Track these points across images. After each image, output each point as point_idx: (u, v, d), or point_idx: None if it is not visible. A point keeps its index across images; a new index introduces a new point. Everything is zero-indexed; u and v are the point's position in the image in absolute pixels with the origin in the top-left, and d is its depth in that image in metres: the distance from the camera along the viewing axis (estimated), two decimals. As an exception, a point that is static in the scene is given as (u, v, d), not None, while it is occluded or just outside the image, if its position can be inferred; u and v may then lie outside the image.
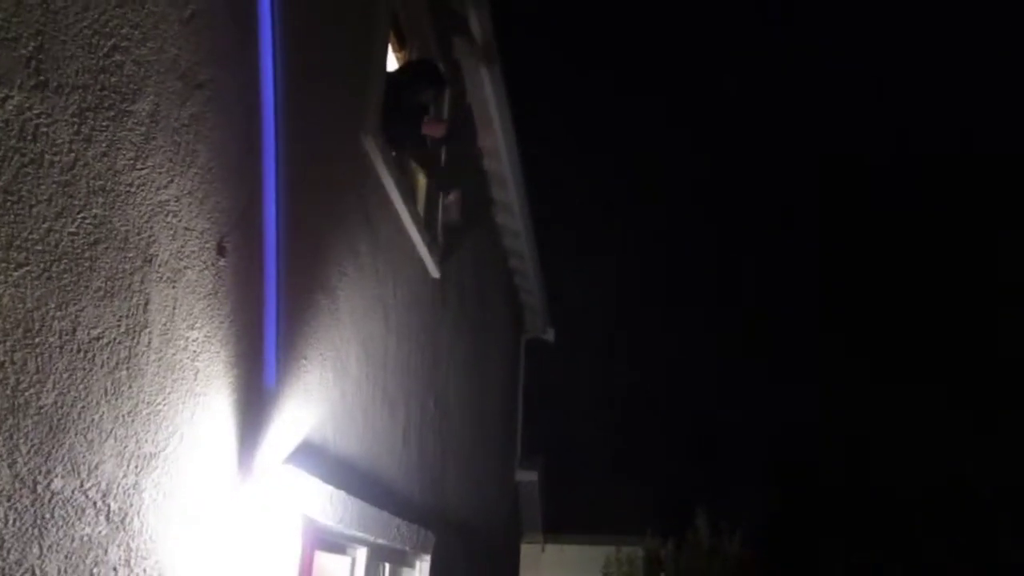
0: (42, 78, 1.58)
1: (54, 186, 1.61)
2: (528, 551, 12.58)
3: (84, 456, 1.69)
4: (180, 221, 2.08)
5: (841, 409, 21.33)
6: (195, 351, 2.14)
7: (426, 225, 4.91)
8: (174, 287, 2.05)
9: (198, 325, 2.16)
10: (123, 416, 1.83)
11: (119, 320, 1.82)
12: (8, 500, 1.48)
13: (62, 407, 1.63)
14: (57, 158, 1.62)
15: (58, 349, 1.62)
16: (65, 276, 1.64)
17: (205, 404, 2.19)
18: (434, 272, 5.10)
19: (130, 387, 1.86)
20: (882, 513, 17.40)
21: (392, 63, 4.75)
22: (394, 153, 4.21)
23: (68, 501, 1.64)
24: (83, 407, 1.69)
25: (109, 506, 1.77)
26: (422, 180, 5.37)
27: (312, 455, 2.98)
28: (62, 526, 1.62)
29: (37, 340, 1.56)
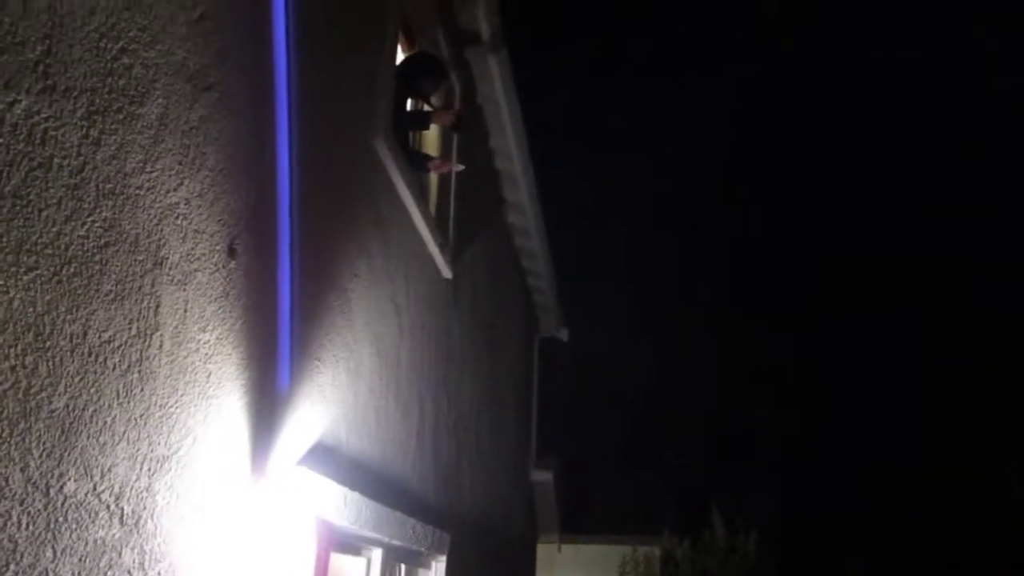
0: (50, 82, 1.58)
1: (63, 189, 1.61)
2: (544, 551, 12.57)
3: (96, 459, 1.69)
4: (190, 223, 2.08)
5: (861, 407, 21.21)
6: (207, 353, 2.14)
7: (438, 225, 4.90)
8: (185, 290, 2.05)
9: (210, 327, 2.16)
10: (135, 419, 1.83)
11: (130, 323, 1.82)
12: (21, 504, 1.48)
13: (74, 410, 1.63)
14: (66, 161, 1.62)
15: (69, 352, 1.62)
16: (75, 279, 1.64)
17: (218, 406, 2.19)
18: (446, 272, 5.09)
19: (142, 390, 1.85)
20: (903, 513, 17.27)
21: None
22: (404, 152, 4.21)
23: (81, 504, 1.64)
24: (95, 410, 1.69)
25: (122, 509, 1.77)
26: (434, 180, 5.37)
27: (326, 456, 2.98)
28: (75, 529, 1.62)
29: (48, 344, 1.56)
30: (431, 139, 5.48)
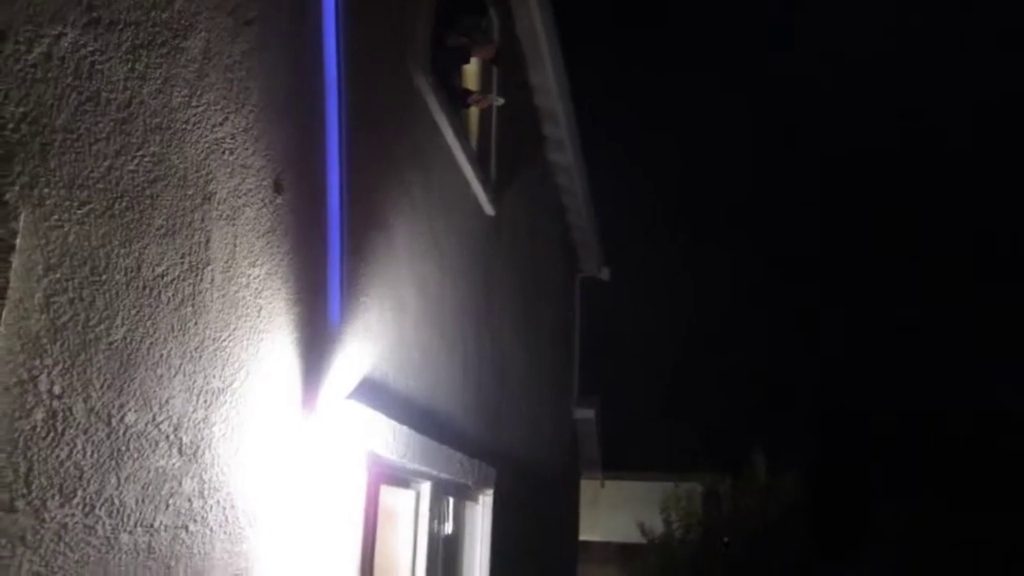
0: (95, 15, 1.58)
1: (112, 124, 1.62)
2: (588, 487, 12.73)
3: (155, 391, 1.72)
4: (237, 159, 2.08)
5: (897, 351, 20.92)
6: (257, 288, 2.16)
7: (479, 161, 4.87)
8: (234, 224, 2.06)
9: (259, 262, 2.17)
10: (190, 352, 1.86)
11: (182, 257, 1.84)
12: (85, 433, 1.51)
13: (131, 343, 1.66)
14: (113, 95, 1.62)
15: (124, 286, 1.64)
16: (128, 214, 1.66)
17: (269, 340, 2.22)
18: (488, 209, 5.07)
19: (195, 323, 1.88)
20: (938, 456, 17.08)
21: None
22: (445, 87, 4.17)
23: (142, 434, 1.68)
24: (151, 343, 1.72)
25: (181, 439, 1.81)
26: (474, 116, 5.32)
27: (374, 391, 3.02)
28: (137, 458, 1.66)
29: (104, 277, 1.58)
30: (471, 74, 5.42)
